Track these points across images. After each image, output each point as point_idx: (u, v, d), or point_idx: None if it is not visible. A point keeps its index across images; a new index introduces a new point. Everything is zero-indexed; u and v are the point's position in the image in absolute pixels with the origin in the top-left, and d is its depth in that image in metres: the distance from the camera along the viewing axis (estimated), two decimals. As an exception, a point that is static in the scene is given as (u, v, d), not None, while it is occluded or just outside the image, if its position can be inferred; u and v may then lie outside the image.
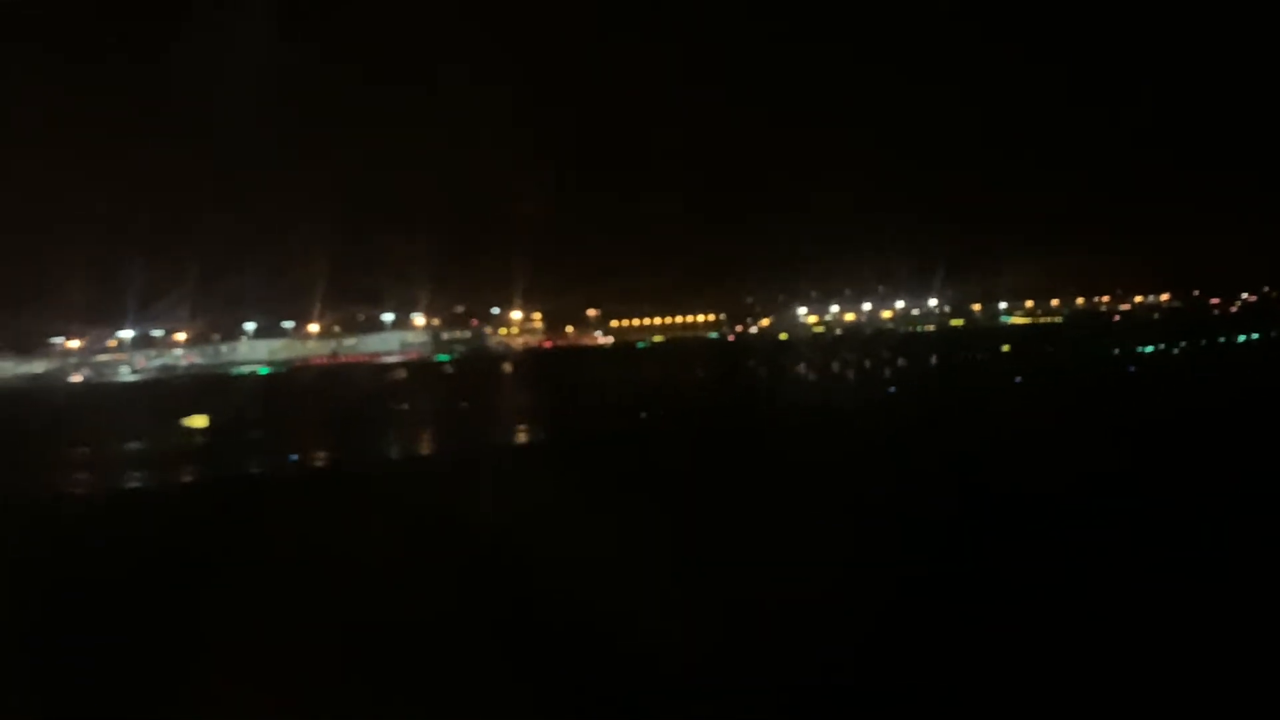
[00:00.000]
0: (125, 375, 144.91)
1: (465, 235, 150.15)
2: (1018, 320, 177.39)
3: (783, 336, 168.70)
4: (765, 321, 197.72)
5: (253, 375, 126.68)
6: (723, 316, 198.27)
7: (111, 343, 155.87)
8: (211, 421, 55.64)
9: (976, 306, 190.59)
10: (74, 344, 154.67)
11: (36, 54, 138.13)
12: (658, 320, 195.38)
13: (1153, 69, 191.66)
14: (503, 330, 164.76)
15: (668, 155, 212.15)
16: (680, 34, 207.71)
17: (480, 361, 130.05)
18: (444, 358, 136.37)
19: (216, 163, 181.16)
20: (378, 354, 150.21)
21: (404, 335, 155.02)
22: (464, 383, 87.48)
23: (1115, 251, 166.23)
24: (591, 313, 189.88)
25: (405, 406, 68.79)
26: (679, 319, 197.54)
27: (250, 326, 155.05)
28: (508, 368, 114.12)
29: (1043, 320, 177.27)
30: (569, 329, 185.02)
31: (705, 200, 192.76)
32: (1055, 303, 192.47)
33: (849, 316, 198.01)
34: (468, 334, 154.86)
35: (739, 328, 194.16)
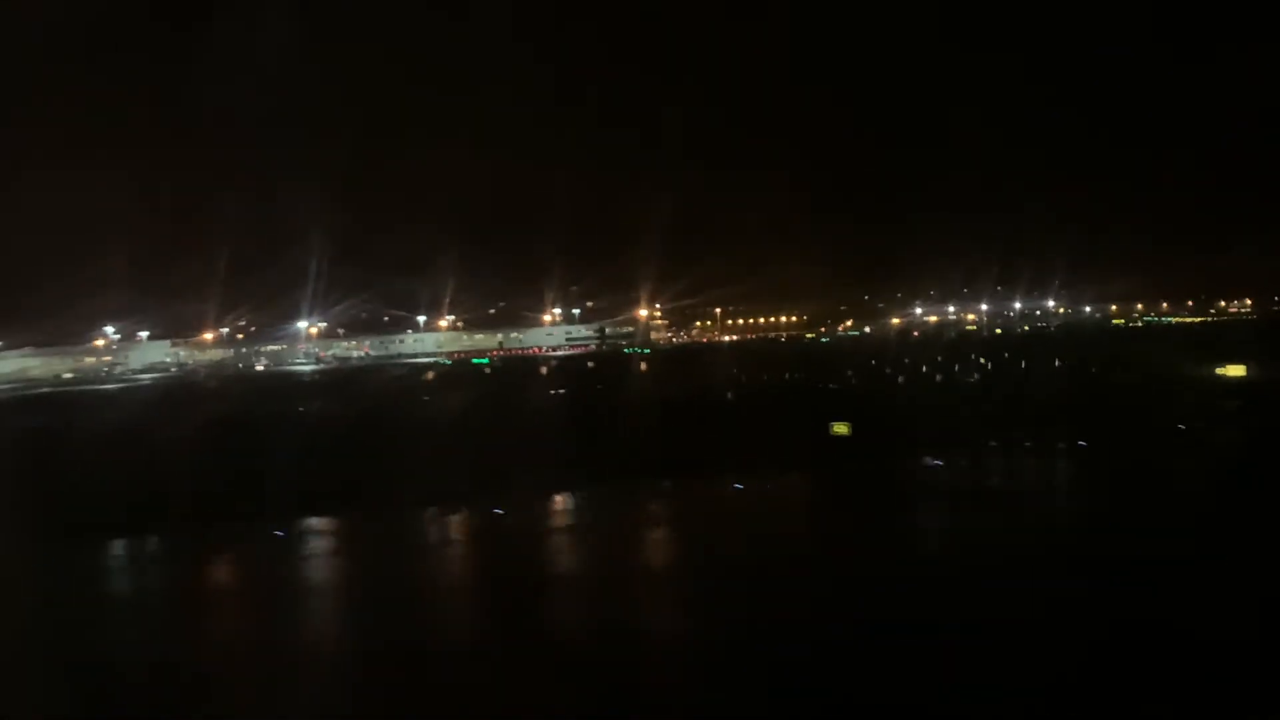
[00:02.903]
0: (306, 365, 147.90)
1: (600, 241, 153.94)
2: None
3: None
4: (849, 323, 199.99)
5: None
6: (805, 318, 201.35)
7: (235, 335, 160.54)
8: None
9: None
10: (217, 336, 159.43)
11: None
12: (750, 321, 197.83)
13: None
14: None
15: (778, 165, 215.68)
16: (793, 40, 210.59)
17: (674, 353, 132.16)
18: (635, 351, 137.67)
19: (384, 174, 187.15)
20: (545, 347, 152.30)
21: (568, 329, 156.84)
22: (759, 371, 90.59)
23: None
24: (718, 311, 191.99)
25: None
26: (764, 320, 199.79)
27: (421, 320, 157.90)
28: (722, 355, 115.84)
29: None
30: (697, 325, 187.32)
31: (811, 206, 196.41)
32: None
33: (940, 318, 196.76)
34: (631, 329, 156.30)
35: (822, 329, 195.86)
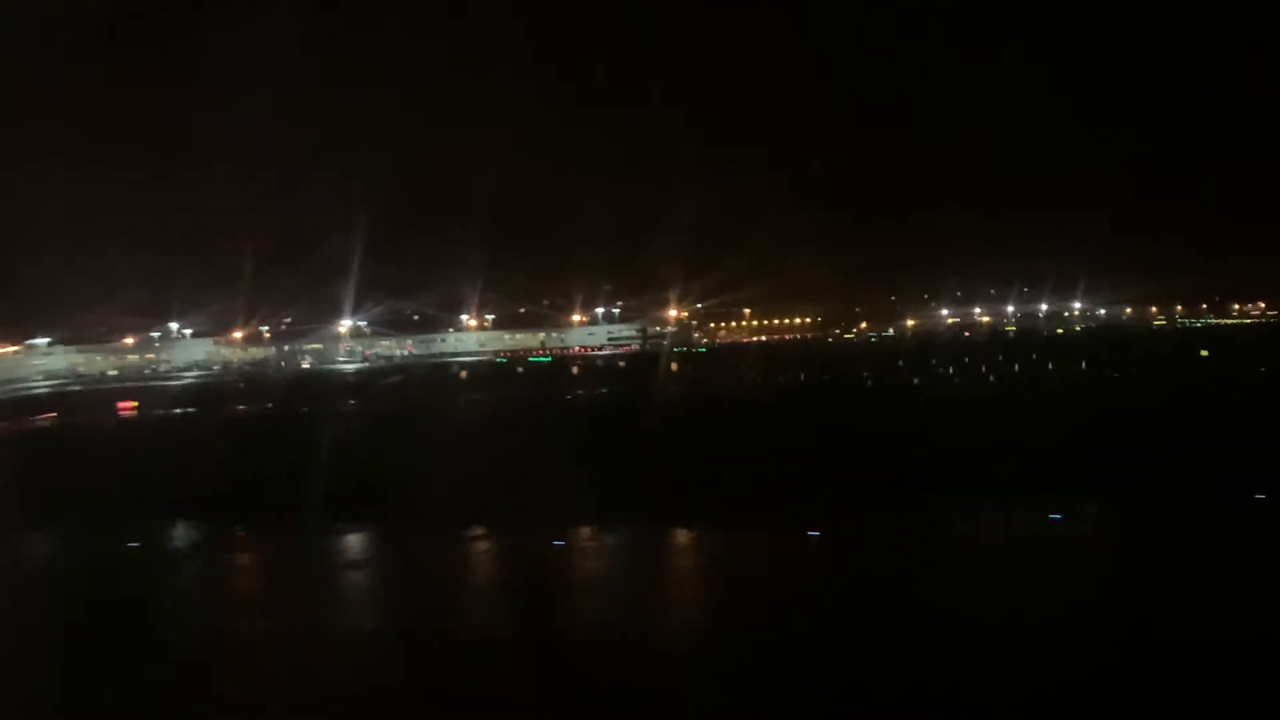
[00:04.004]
0: (351, 363, 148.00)
1: (632, 242, 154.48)
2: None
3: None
4: (864, 324, 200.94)
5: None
6: (820, 319, 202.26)
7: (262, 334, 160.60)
8: None
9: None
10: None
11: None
12: (771, 321, 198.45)
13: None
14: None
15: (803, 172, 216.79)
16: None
17: (723, 352, 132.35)
18: (683, 350, 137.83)
19: (420, 173, 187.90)
20: (587, 346, 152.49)
21: (609, 328, 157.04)
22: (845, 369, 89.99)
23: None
24: (746, 311, 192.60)
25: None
26: (785, 320, 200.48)
27: (463, 320, 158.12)
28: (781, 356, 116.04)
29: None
30: (723, 325, 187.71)
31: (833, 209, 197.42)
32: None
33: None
34: (673, 329, 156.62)
35: (838, 330, 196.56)
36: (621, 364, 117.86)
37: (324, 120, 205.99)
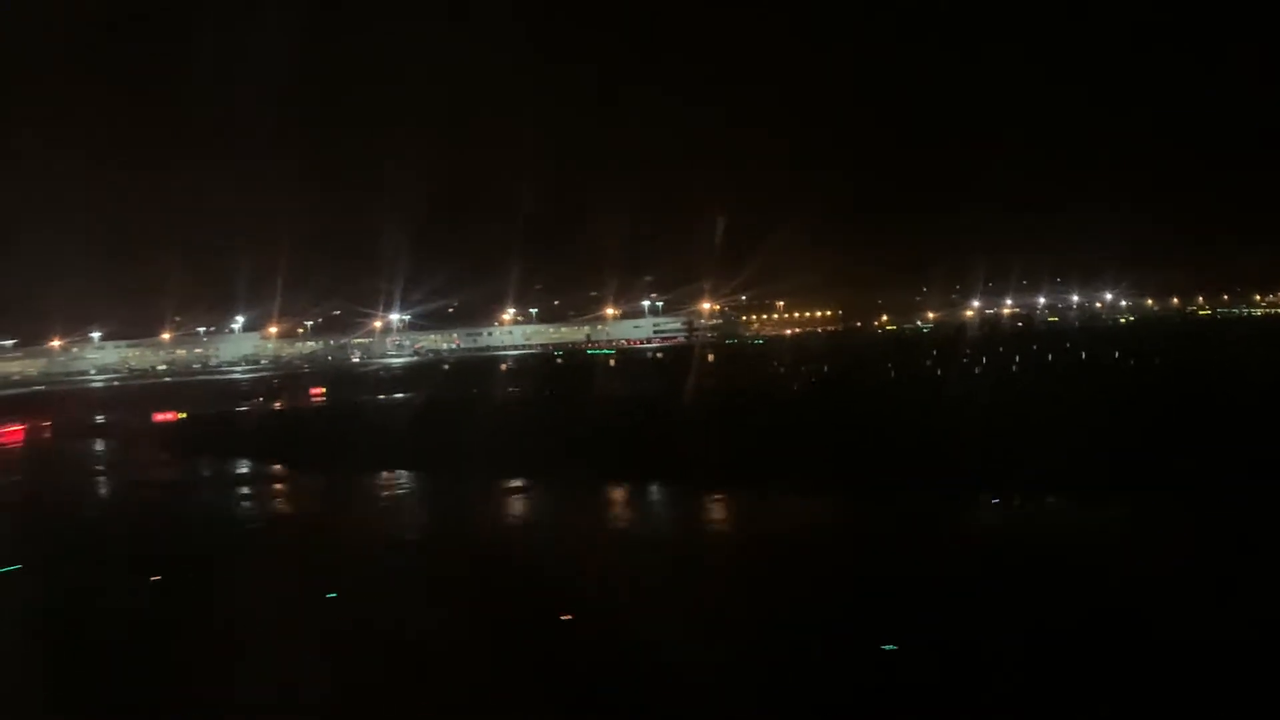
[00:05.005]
0: (398, 357, 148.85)
1: (667, 237, 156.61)
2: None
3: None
4: (884, 318, 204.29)
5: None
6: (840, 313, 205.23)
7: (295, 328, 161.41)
8: None
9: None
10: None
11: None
12: (794, 315, 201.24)
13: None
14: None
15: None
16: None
17: (779, 344, 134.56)
18: (734, 342, 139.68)
19: (457, 171, 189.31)
20: (633, 339, 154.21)
21: (655, 321, 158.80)
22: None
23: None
24: (780, 304, 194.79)
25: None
26: (808, 314, 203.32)
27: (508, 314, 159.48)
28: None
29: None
30: (757, 319, 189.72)
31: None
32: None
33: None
34: (718, 321, 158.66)
35: (858, 324, 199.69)
36: (693, 355, 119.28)
37: (368, 119, 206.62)
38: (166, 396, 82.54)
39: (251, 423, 67.54)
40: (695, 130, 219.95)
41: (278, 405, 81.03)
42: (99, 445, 63.32)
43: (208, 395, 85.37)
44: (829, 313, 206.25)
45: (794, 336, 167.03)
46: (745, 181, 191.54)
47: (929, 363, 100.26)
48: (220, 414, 71.57)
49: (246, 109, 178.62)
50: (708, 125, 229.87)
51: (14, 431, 64.83)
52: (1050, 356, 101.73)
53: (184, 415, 67.08)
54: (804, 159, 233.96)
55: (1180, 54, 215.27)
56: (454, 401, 74.96)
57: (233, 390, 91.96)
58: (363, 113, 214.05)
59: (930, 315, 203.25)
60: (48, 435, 67.87)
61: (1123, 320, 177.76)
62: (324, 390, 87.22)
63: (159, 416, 66.04)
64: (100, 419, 73.49)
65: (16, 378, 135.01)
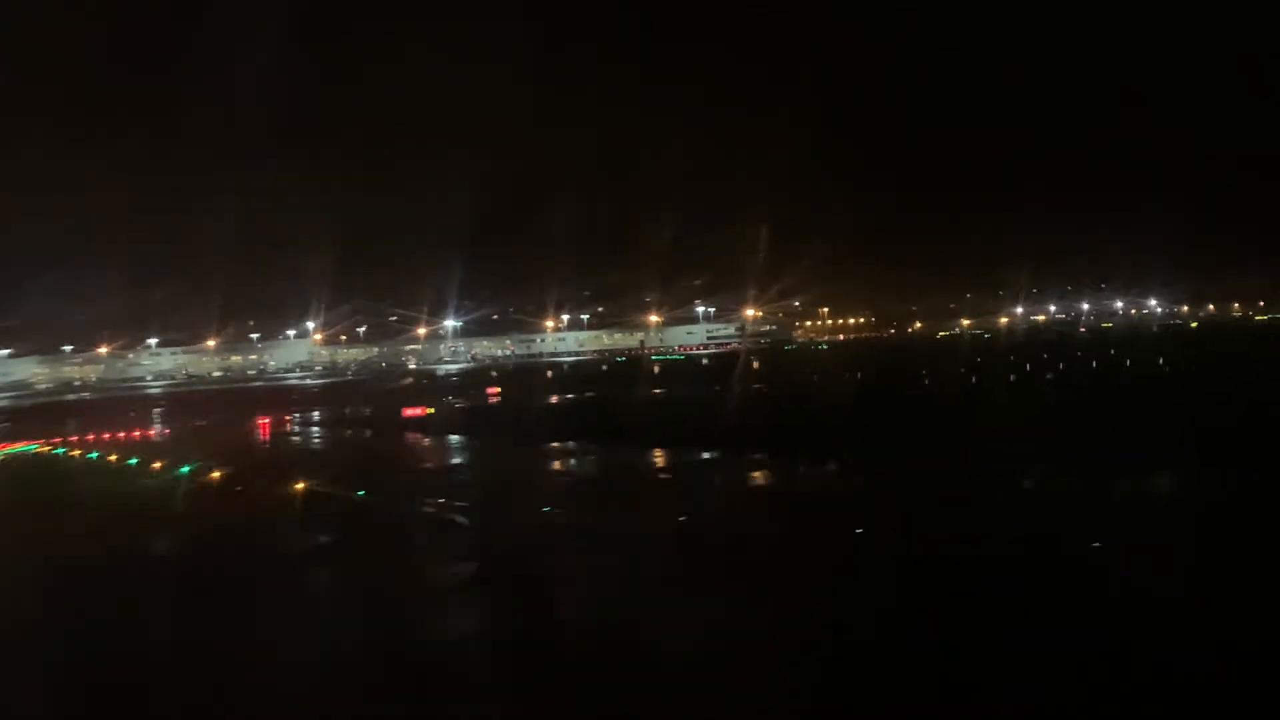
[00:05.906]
0: (454, 362, 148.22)
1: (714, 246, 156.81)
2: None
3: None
4: (918, 324, 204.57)
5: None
6: (873, 319, 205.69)
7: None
8: None
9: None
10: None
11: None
12: (838, 321, 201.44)
13: None
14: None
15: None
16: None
17: (843, 348, 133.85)
18: (794, 347, 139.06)
19: (506, 181, 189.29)
20: (688, 345, 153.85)
21: (709, 327, 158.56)
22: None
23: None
24: (823, 310, 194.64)
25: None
26: (851, 320, 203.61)
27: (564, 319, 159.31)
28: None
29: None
30: (802, 325, 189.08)
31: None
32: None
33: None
34: (772, 327, 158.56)
35: (891, 330, 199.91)
36: (767, 358, 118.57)
37: (419, 123, 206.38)
38: (343, 396, 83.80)
39: (508, 413, 65.29)
40: (740, 136, 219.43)
41: (491, 399, 79.96)
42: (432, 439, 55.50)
43: (391, 394, 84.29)
44: (868, 319, 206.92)
45: (853, 341, 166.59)
46: (790, 190, 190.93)
47: (1030, 366, 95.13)
48: (469, 407, 69.56)
49: (294, 117, 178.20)
50: (753, 129, 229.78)
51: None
52: (1160, 359, 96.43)
53: (430, 410, 65.33)
54: (848, 166, 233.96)
55: (1237, 59, 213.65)
56: (672, 398, 73.04)
57: (413, 389, 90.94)
58: (412, 118, 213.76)
59: (964, 321, 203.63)
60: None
61: (1192, 325, 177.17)
62: (499, 389, 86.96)
63: (409, 411, 64.18)
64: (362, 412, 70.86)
65: (77, 382, 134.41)
